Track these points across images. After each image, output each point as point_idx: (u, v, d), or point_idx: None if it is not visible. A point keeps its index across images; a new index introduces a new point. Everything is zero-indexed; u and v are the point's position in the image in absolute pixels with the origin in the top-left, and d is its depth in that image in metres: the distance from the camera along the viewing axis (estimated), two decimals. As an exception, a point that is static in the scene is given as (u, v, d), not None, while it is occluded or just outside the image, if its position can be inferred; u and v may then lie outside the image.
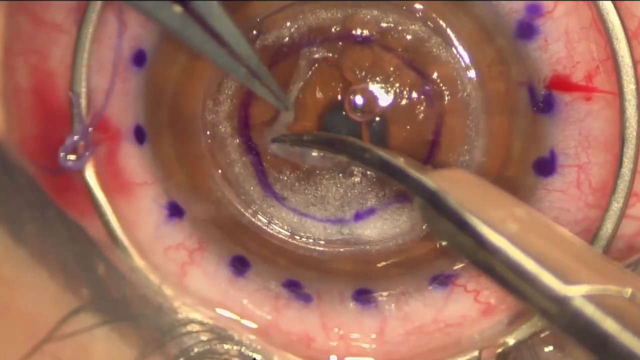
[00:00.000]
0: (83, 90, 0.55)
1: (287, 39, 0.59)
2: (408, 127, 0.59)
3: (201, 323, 0.54)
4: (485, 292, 0.56)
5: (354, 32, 0.59)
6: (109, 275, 0.53)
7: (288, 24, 0.59)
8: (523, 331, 0.55)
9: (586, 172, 0.55)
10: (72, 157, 0.55)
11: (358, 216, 0.60)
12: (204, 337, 0.53)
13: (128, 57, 0.56)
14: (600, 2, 0.53)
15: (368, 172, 0.60)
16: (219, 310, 0.56)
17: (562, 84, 0.55)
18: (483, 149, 0.59)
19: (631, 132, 0.53)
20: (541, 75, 0.55)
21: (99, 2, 0.54)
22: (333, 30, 0.59)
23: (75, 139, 0.54)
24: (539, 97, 0.56)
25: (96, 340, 0.51)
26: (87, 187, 0.55)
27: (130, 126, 0.57)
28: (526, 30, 0.55)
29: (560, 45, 0.54)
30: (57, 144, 0.54)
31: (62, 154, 0.54)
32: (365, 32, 0.59)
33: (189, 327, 0.53)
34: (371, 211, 0.60)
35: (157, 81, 0.58)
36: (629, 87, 0.53)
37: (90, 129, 0.55)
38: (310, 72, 0.59)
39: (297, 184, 0.60)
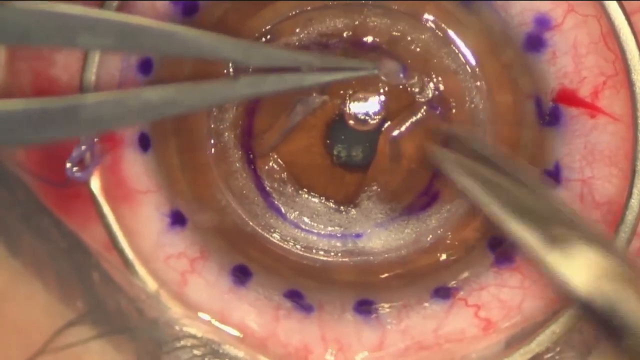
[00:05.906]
0: None
1: (297, 44, 0.59)
2: (415, 136, 0.59)
3: (196, 337, 0.54)
4: (485, 308, 0.56)
5: (364, 39, 0.59)
6: (104, 287, 0.53)
7: (297, 30, 0.59)
8: (520, 356, 0.54)
9: (590, 186, 0.55)
10: (79, 168, 0.55)
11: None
12: (197, 352, 0.53)
13: (134, 65, 0.56)
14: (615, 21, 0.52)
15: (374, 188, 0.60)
16: (216, 323, 0.56)
17: (568, 98, 0.55)
18: (489, 161, 0.59)
19: None
20: (548, 89, 0.55)
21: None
22: (345, 35, 0.59)
23: (82, 149, 0.54)
24: (545, 110, 0.56)
25: (91, 353, 0.51)
26: (92, 196, 0.55)
27: (135, 133, 0.57)
28: (535, 43, 0.55)
29: (568, 59, 0.54)
30: (59, 152, 0.54)
31: (68, 165, 0.54)
32: (375, 40, 0.59)
33: (184, 342, 0.53)
34: (376, 224, 0.60)
35: (163, 88, 0.58)
36: None
37: (96, 138, 0.55)
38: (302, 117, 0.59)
39: (297, 199, 0.60)
